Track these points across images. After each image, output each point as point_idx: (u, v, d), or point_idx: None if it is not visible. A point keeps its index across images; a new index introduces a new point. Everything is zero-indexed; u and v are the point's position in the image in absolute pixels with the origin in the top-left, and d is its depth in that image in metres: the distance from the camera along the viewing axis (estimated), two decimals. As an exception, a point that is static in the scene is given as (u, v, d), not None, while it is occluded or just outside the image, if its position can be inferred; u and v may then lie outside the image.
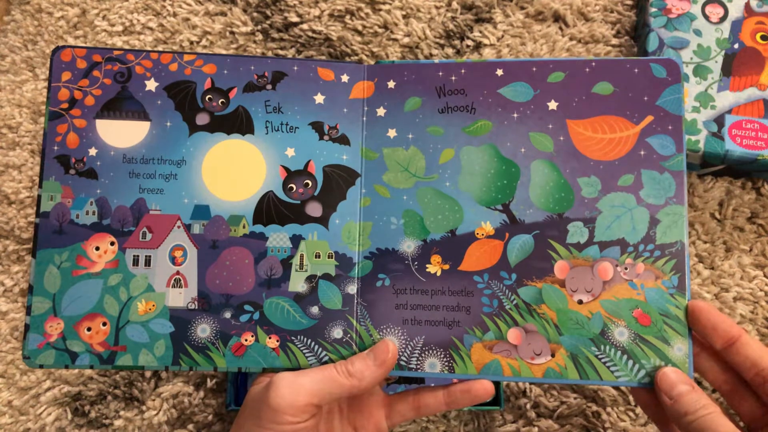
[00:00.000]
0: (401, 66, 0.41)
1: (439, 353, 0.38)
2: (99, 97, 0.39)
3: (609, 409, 0.51)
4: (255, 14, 0.62)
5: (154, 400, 0.52)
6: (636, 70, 0.39)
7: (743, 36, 0.54)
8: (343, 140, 0.40)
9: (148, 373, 0.53)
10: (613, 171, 0.38)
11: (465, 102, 0.40)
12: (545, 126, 0.39)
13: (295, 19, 0.61)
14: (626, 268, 0.37)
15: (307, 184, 0.40)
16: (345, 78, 0.41)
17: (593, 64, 0.39)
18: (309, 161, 0.40)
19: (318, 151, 0.40)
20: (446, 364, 0.38)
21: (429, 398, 0.40)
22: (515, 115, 0.39)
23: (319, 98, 0.40)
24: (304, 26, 0.60)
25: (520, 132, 0.39)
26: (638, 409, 0.51)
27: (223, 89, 0.40)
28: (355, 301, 0.39)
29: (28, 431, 0.52)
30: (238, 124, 0.40)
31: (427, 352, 0.38)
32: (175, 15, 0.63)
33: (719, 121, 0.52)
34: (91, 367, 0.38)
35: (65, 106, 0.39)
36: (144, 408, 0.52)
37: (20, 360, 0.54)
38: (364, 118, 0.41)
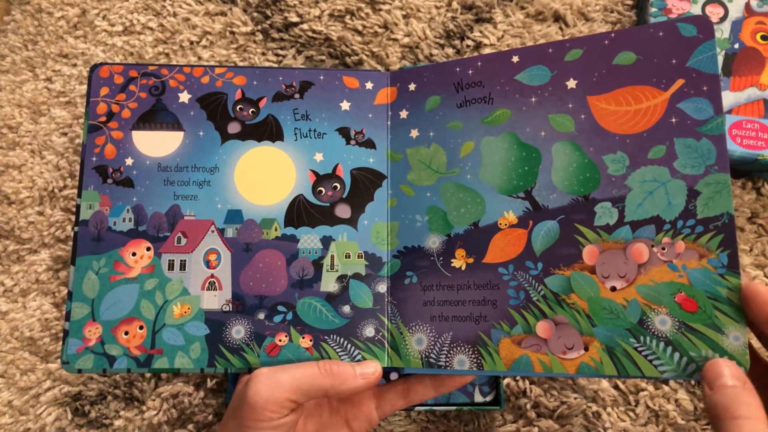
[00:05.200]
0: (421, 69, 0.42)
1: (467, 350, 0.37)
2: (135, 110, 0.41)
3: (609, 409, 0.49)
4: (255, 14, 0.62)
5: (154, 400, 0.52)
6: (661, 33, 0.36)
7: (743, 36, 0.54)
8: (369, 144, 0.41)
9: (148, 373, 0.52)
10: (641, 144, 0.35)
11: (482, 93, 0.39)
12: (565, 106, 0.37)
13: (295, 19, 0.61)
14: (663, 248, 0.34)
15: (336, 186, 0.41)
16: (369, 85, 0.42)
17: (612, 35, 0.37)
18: (337, 165, 0.41)
19: (345, 156, 0.41)
20: (474, 360, 0.36)
21: (418, 385, 0.40)
22: (533, 99, 0.38)
23: (345, 105, 0.42)
24: (304, 26, 0.61)
25: (539, 115, 0.38)
26: (638, 409, 0.49)
27: (253, 99, 0.42)
28: (386, 300, 0.39)
29: (28, 431, 0.52)
30: (268, 131, 0.41)
31: (455, 349, 0.37)
32: (175, 15, 0.63)
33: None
34: (128, 371, 0.38)
35: (103, 119, 0.41)
36: (144, 408, 0.52)
37: (20, 360, 0.54)
38: (389, 123, 0.42)
